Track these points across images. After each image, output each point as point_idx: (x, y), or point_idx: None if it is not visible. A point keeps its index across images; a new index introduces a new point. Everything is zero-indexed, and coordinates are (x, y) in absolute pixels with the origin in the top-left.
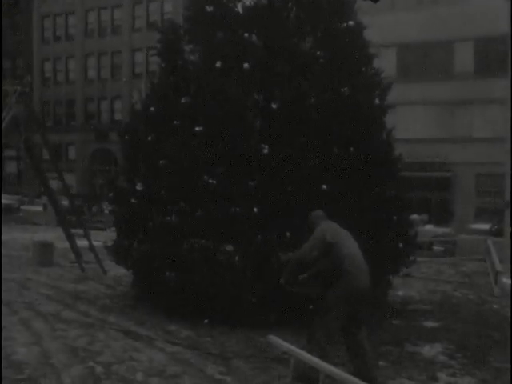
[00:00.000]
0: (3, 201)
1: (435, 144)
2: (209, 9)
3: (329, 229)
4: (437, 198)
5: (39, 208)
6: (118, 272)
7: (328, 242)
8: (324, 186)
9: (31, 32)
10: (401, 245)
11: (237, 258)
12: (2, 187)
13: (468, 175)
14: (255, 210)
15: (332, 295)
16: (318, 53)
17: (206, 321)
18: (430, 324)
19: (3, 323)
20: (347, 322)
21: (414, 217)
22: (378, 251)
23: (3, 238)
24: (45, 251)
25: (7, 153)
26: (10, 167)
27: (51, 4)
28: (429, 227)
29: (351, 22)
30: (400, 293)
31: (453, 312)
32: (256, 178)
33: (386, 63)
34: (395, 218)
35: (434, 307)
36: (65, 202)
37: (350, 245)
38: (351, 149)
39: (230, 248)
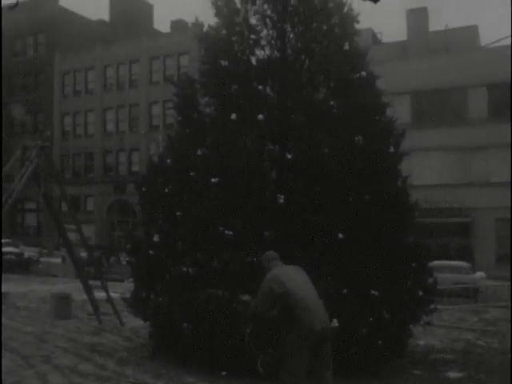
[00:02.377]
0: (24, 252)
1: (452, 189)
2: (223, 63)
3: (276, 277)
4: (456, 243)
5: (58, 260)
6: (136, 324)
7: (276, 294)
8: (340, 235)
9: (52, 88)
10: (420, 292)
11: None
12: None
13: (487, 220)
14: None
15: (289, 343)
16: (332, 103)
17: (223, 373)
18: (453, 374)
19: (20, 377)
20: (313, 364)
21: (463, 264)
22: (397, 300)
23: (22, 290)
24: (63, 303)
25: (27, 205)
26: (30, 219)
27: (71, 61)
28: (479, 274)
29: (363, 73)
30: (421, 342)
31: (477, 361)
32: (272, 228)
33: (400, 110)
34: (414, 265)
35: (457, 356)
36: (83, 254)
37: (299, 288)
38: (366, 197)
39: (247, 298)
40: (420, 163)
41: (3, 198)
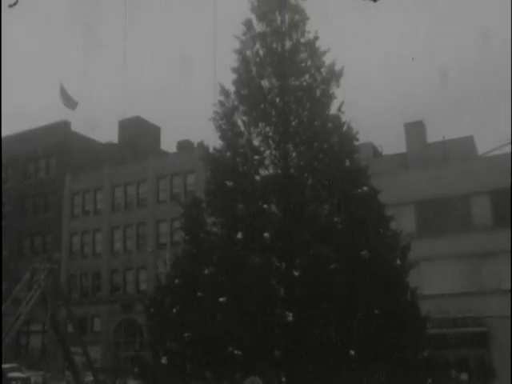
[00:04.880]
0: (30, 377)
1: (464, 298)
2: (229, 183)
3: None
4: (475, 354)
5: None
6: None
7: None
8: (352, 352)
9: (61, 209)
10: None
11: None
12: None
13: (502, 329)
14: (283, 379)
15: None
16: (336, 219)
17: None
18: None
19: None
20: None
21: None
22: None
23: None
24: None
25: (32, 327)
26: (35, 341)
27: (81, 182)
28: None
29: (365, 188)
30: None
31: None
32: (281, 346)
33: (405, 221)
34: (430, 381)
35: None
36: (88, 378)
37: None
38: (376, 312)
39: None
40: (429, 272)
41: (11, 321)
